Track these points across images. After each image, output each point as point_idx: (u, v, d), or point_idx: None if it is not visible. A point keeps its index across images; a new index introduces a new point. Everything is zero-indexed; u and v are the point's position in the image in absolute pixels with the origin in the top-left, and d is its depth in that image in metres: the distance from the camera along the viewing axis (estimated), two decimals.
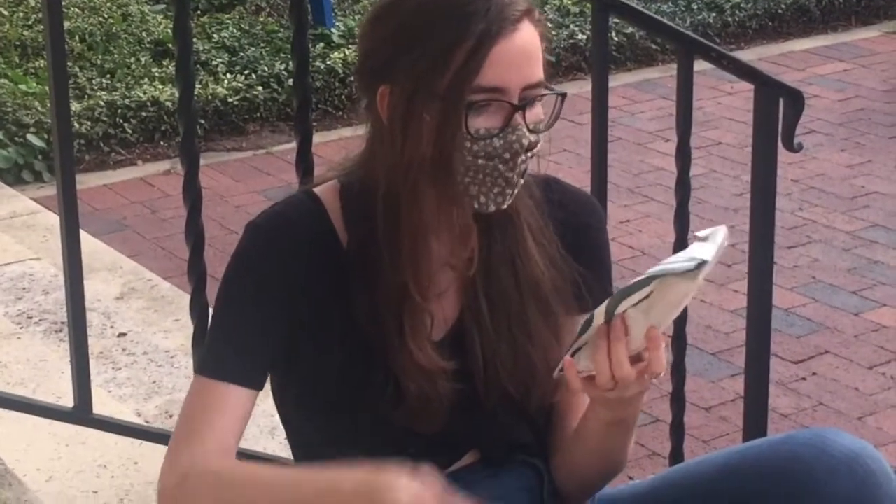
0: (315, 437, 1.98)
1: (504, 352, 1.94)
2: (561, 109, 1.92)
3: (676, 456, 3.03)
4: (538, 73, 1.87)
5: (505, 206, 1.90)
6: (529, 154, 1.88)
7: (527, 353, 1.94)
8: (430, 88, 1.84)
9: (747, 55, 7.10)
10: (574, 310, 1.98)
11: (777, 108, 2.81)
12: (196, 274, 2.61)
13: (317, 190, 2.00)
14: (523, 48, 1.85)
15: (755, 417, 3.01)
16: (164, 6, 7.25)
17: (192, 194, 2.58)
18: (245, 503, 1.85)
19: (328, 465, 1.81)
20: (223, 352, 1.93)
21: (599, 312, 1.79)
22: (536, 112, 1.89)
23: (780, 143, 2.85)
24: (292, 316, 1.92)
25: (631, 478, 3.32)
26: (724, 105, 6.45)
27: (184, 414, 1.94)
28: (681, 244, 2.90)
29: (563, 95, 1.92)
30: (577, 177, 4.73)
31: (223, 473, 1.87)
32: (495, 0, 1.85)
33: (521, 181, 1.90)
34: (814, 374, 4.19)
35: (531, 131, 1.87)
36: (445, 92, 1.83)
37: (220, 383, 1.91)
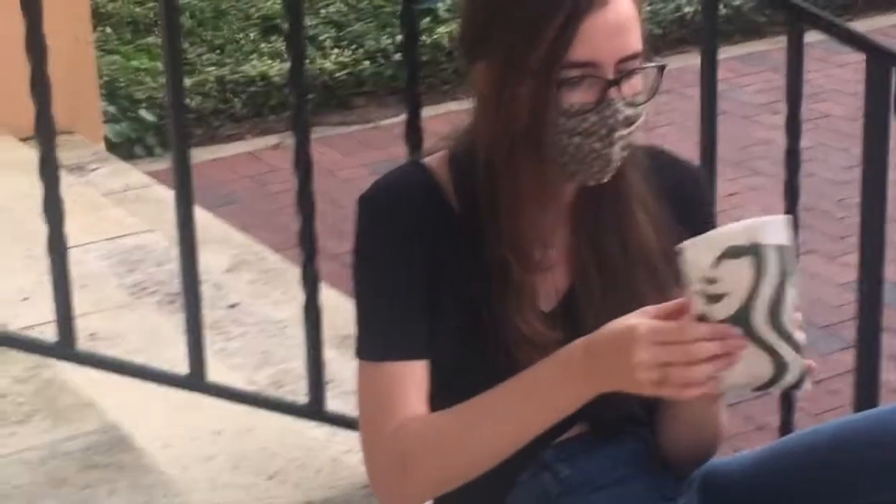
0: (432, 400, 2.00)
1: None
2: (660, 82, 1.88)
3: (786, 429, 3.01)
4: (634, 45, 1.85)
5: (605, 181, 1.90)
6: (630, 128, 1.87)
7: None
8: (522, 64, 1.82)
9: (858, 27, 6.93)
10: None
11: (889, 78, 2.77)
12: (307, 243, 2.65)
13: (426, 160, 2.02)
14: (616, 20, 1.82)
15: (867, 391, 2.99)
16: None
17: (304, 163, 2.61)
18: (474, 441, 1.86)
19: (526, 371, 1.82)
20: (381, 331, 1.94)
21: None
22: (634, 84, 1.86)
23: (892, 114, 2.82)
24: (422, 279, 1.94)
25: (738, 450, 3.31)
26: (834, 77, 6.37)
27: (367, 402, 1.94)
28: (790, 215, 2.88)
29: (662, 67, 1.89)
30: (684, 150, 4.64)
31: (435, 428, 1.88)
32: None
33: (623, 154, 1.89)
34: None
35: (629, 104, 1.85)
36: (536, 68, 1.82)
37: (390, 364, 1.92)
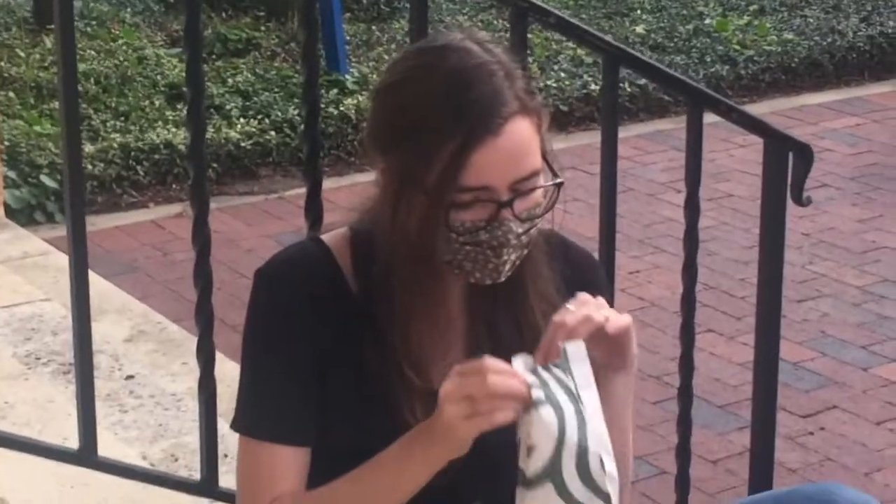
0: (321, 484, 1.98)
1: None
2: (556, 199, 1.89)
3: None
4: (530, 166, 1.85)
5: (502, 279, 1.90)
6: (523, 239, 1.87)
7: None
8: (417, 180, 1.83)
9: (760, 108, 7.11)
10: None
11: (786, 162, 2.81)
12: (203, 318, 2.62)
13: (325, 237, 2.01)
14: (510, 147, 1.83)
15: (761, 471, 3.00)
16: (179, 50, 7.28)
17: (202, 238, 2.59)
18: None
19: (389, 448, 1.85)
20: (263, 410, 1.93)
21: None
22: (532, 199, 1.87)
23: (789, 197, 2.85)
24: (312, 362, 1.92)
25: None
26: (737, 157, 6.45)
27: (243, 478, 1.95)
28: (689, 297, 2.90)
29: (560, 184, 1.89)
30: (589, 227, 4.69)
31: None
32: (485, 99, 1.82)
33: (521, 253, 1.90)
34: (822, 428, 4.18)
35: (523, 220, 1.86)
36: (430, 189, 1.82)
37: (269, 445, 1.92)
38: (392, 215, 1.87)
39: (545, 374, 1.78)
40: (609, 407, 1.89)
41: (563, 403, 1.76)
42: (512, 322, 1.96)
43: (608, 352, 1.87)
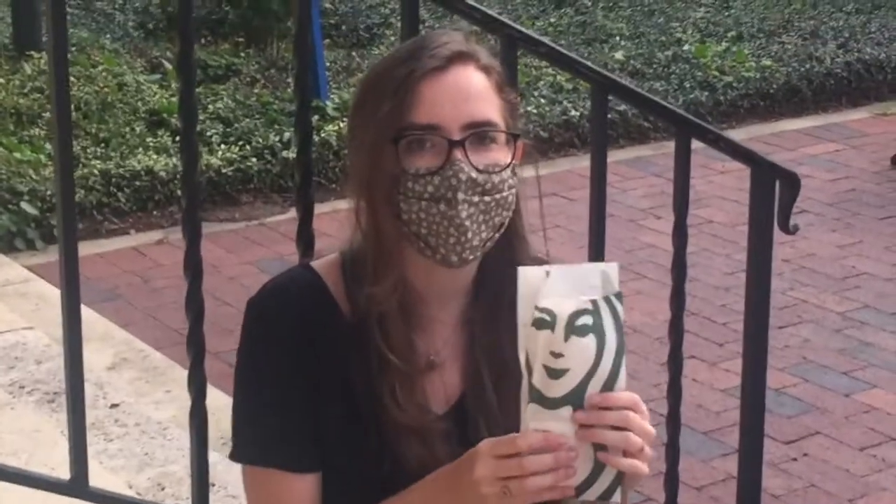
0: None
1: (510, 430, 1.93)
2: (515, 152, 1.89)
3: None
4: (484, 113, 1.87)
5: (470, 258, 1.89)
6: (486, 198, 1.86)
7: None
8: (374, 132, 1.86)
9: (739, 134, 7.14)
10: None
11: (773, 190, 2.83)
12: (195, 346, 2.62)
13: (315, 263, 2.01)
14: (458, 86, 1.86)
15: (748, 498, 3.01)
16: (159, 76, 7.29)
17: (194, 267, 2.59)
18: None
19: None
20: (266, 439, 1.92)
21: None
22: (490, 155, 1.87)
23: (776, 224, 2.87)
24: (305, 391, 1.92)
25: None
26: (716, 184, 6.48)
27: None
28: (677, 324, 2.91)
29: (516, 136, 1.90)
30: (570, 252, 4.73)
31: None
32: (435, 41, 1.88)
33: (484, 232, 1.88)
34: (805, 454, 4.19)
35: (480, 171, 1.85)
36: (382, 130, 1.85)
37: (278, 473, 1.91)
38: (358, 181, 1.88)
39: (602, 305, 1.74)
40: None
41: (608, 332, 1.73)
42: (514, 348, 1.95)
43: None
